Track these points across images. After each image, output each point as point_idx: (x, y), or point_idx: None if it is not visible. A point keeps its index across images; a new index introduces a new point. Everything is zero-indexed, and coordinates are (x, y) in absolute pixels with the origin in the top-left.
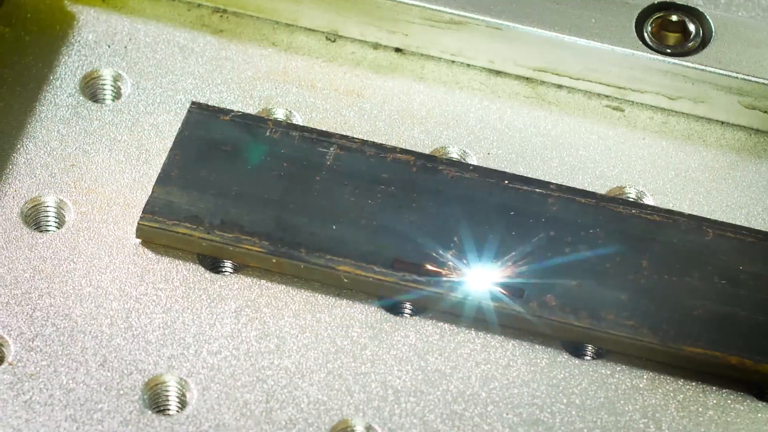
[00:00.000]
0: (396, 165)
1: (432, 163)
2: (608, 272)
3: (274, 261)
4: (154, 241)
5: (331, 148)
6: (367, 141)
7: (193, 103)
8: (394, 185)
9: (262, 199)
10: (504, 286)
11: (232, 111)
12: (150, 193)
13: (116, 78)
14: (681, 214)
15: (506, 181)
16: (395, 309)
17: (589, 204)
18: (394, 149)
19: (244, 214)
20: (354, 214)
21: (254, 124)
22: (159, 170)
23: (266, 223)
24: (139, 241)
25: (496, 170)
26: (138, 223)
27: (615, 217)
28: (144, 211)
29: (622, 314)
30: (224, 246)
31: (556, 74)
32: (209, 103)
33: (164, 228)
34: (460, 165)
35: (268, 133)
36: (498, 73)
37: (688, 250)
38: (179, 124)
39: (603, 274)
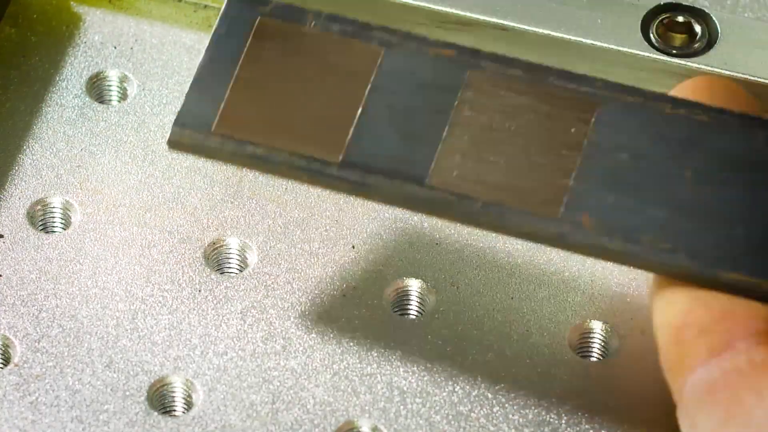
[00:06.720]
0: (438, 62)
1: (475, 58)
2: (648, 186)
3: (306, 178)
4: (186, 151)
5: (373, 43)
6: (410, 33)
7: None
8: (436, 86)
9: (301, 106)
10: (537, 202)
11: (271, 1)
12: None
13: (122, 79)
14: (732, 112)
15: (551, 78)
16: (402, 309)
17: (636, 103)
18: (436, 43)
19: (281, 125)
20: (390, 119)
21: (295, 17)
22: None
23: (302, 134)
24: (145, 241)
25: (541, 65)
26: (171, 132)
27: (661, 120)
28: (175, 123)
29: (659, 236)
30: (257, 159)
31: None
32: None
33: (197, 140)
34: (506, 60)
35: (307, 28)
36: None
37: (737, 158)
38: None
39: (642, 189)
